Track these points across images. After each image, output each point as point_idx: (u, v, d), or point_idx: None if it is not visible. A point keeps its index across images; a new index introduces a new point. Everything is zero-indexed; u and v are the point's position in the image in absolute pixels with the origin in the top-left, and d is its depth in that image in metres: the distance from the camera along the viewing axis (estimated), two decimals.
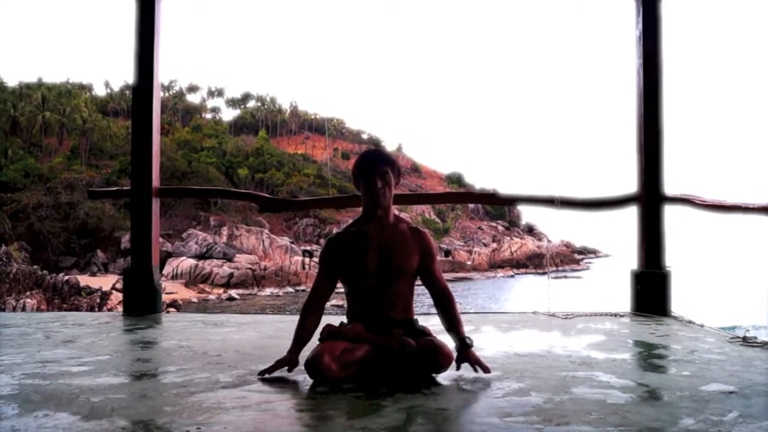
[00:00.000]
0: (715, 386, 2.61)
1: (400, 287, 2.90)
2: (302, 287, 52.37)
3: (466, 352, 2.81)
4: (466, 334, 2.87)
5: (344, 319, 3.05)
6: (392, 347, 2.73)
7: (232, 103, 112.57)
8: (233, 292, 51.24)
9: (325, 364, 2.64)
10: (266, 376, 2.78)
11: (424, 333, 2.86)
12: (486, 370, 2.77)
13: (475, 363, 2.77)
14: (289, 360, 2.80)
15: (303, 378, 2.73)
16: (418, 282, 3.01)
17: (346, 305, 3.03)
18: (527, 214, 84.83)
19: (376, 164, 2.90)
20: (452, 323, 2.89)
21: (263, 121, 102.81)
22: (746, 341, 3.66)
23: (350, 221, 3.06)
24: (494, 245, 76.54)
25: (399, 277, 2.89)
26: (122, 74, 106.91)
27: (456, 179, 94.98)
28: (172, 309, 31.46)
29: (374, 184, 2.86)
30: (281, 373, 2.79)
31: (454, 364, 2.78)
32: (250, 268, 55.82)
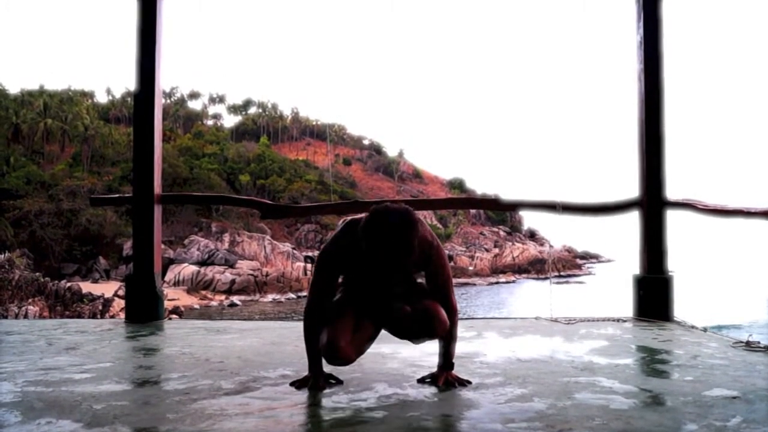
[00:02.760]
0: (719, 391, 2.61)
1: (403, 282, 2.83)
2: (304, 293, 52.28)
3: (445, 373, 2.77)
4: (455, 353, 2.83)
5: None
6: (390, 315, 2.74)
7: (234, 109, 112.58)
8: (235, 299, 51.23)
9: (342, 349, 2.62)
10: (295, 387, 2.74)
11: (422, 292, 2.79)
12: (465, 383, 2.76)
13: (455, 381, 2.74)
14: (315, 379, 2.73)
15: None
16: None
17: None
18: (529, 219, 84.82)
19: (395, 262, 2.55)
20: (447, 340, 2.80)
21: (264, 127, 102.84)
22: (749, 346, 3.65)
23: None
24: (496, 251, 76.42)
25: (403, 278, 2.82)
26: (124, 81, 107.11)
27: (458, 185, 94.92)
28: (174, 316, 31.49)
29: (386, 278, 2.71)
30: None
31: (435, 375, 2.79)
32: (251, 275, 55.80)
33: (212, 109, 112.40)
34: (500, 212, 71.86)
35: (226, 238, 60.05)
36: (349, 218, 2.79)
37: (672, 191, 4.94)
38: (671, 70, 5.04)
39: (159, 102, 5.26)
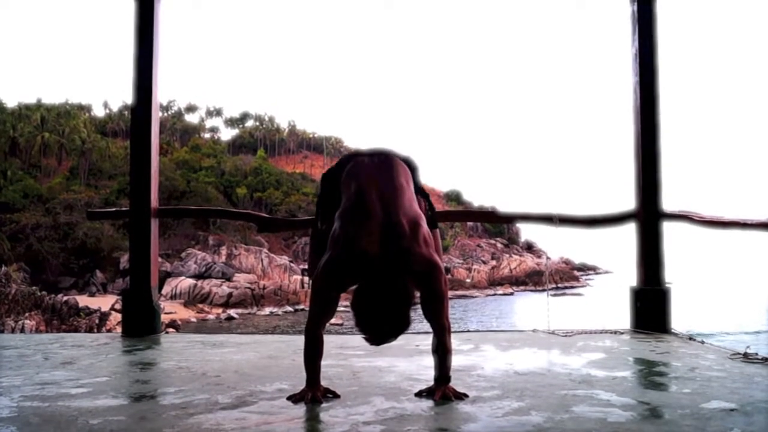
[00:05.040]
0: (717, 403, 2.61)
1: None
2: (301, 306, 52.21)
3: (442, 387, 2.76)
4: (452, 365, 2.82)
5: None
6: None
7: (231, 122, 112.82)
8: (232, 312, 51.14)
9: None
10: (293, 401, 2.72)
11: None
12: (462, 397, 2.75)
13: (452, 394, 2.73)
14: (313, 393, 2.71)
15: None
16: None
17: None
18: (526, 231, 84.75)
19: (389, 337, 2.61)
20: (441, 353, 2.79)
21: (262, 140, 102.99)
22: (747, 358, 3.65)
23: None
24: (493, 263, 76.47)
25: None
26: (121, 95, 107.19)
27: (454, 197, 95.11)
28: (171, 329, 31.46)
29: None
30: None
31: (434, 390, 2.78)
32: (249, 288, 55.74)
33: (209, 123, 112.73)
34: (497, 224, 71.93)
35: (224, 251, 60.02)
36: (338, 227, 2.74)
37: (668, 203, 4.95)
38: (667, 81, 5.07)
39: (156, 115, 5.26)
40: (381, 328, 2.53)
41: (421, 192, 3.04)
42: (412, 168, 3.02)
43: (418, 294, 2.71)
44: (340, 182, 2.91)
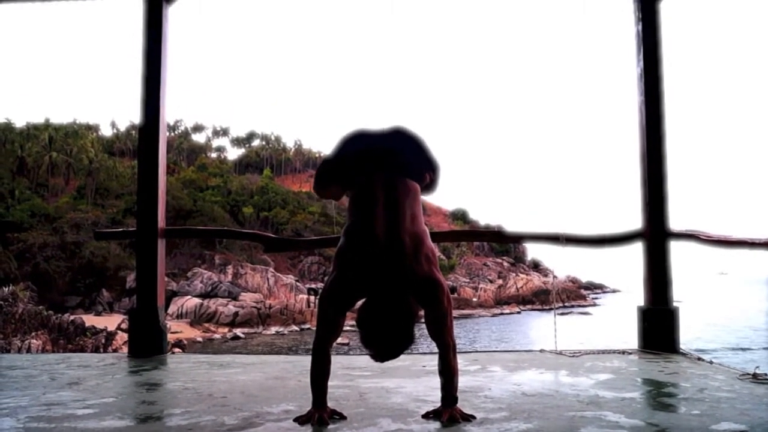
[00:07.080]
0: (726, 425, 2.59)
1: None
2: (307, 325, 52.12)
3: (449, 408, 2.74)
4: (458, 385, 2.81)
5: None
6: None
7: (237, 142, 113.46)
8: (238, 331, 51.05)
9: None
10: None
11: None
12: (469, 418, 2.74)
13: (459, 416, 2.71)
14: (319, 414, 2.71)
15: None
16: None
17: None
18: (533, 249, 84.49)
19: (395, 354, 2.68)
20: (447, 374, 2.78)
21: (268, 159, 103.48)
22: (756, 378, 3.62)
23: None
24: (500, 281, 76.20)
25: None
26: (128, 115, 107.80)
27: (460, 216, 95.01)
28: (177, 349, 31.39)
29: None
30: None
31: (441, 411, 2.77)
32: (255, 307, 55.64)
33: (216, 142, 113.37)
34: (504, 243, 71.76)
35: (230, 270, 59.98)
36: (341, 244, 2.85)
37: (675, 222, 4.94)
38: (673, 99, 5.07)
39: (163, 135, 5.29)
40: (385, 343, 2.58)
41: (429, 166, 3.08)
42: (422, 148, 3.04)
43: (423, 313, 2.73)
44: (349, 197, 2.98)
